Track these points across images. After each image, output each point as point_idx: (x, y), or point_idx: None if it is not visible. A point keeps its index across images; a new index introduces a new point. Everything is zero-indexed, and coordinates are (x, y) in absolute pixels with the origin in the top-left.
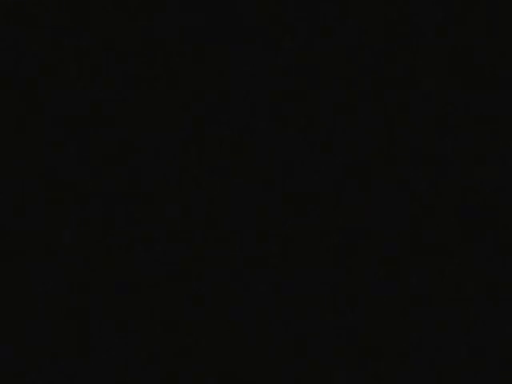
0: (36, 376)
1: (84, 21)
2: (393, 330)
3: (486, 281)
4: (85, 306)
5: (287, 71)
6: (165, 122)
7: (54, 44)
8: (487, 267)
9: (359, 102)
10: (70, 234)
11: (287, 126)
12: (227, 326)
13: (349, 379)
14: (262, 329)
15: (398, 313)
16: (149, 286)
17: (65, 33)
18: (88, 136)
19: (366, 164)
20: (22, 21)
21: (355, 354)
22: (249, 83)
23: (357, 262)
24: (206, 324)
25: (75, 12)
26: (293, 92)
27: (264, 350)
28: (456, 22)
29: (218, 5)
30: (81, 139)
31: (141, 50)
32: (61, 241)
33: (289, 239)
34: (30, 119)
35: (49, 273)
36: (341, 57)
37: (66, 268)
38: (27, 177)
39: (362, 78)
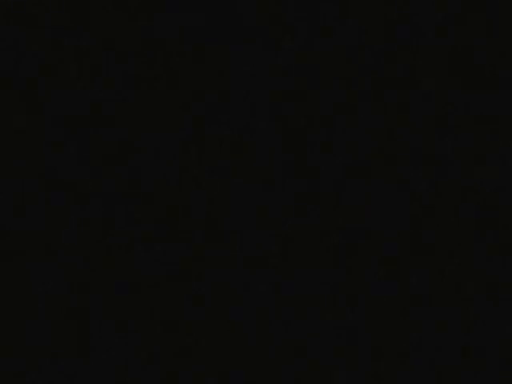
0: (36, 376)
1: (84, 21)
2: (393, 329)
3: (486, 281)
4: (85, 305)
5: (287, 71)
6: (165, 121)
7: (53, 44)
8: (487, 267)
9: (359, 101)
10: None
11: (287, 126)
12: (227, 326)
13: (349, 379)
14: (262, 329)
15: (398, 313)
16: (149, 286)
17: (65, 33)
18: (88, 136)
19: (366, 164)
20: (21, 21)
21: (355, 353)
22: (249, 83)
23: (357, 261)
24: (205, 324)
25: (75, 12)
26: (293, 92)
27: (264, 350)
28: (456, 21)
29: (218, 5)
30: (81, 139)
31: (141, 50)
32: (61, 241)
33: (289, 239)
34: (29, 119)
35: (49, 273)
36: (341, 57)
37: (66, 268)
38: (27, 177)
39: (362, 77)
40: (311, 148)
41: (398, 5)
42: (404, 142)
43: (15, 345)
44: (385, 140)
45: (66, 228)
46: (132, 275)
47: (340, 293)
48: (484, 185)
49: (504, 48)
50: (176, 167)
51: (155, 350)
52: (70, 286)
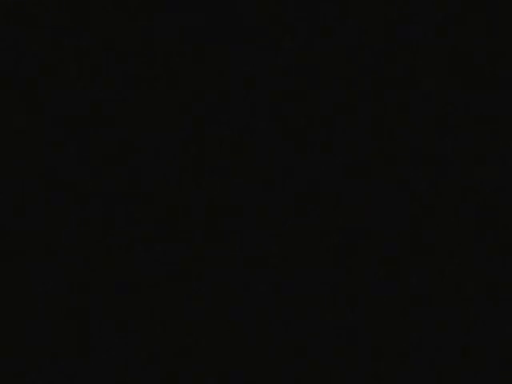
0: (36, 376)
1: (84, 21)
2: (393, 329)
3: (486, 281)
4: (85, 305)
5: (287, 71)
6: (165, 121)
7: (53, 44)
8: (487, 267)
9: (359, 101)
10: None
11: (287, 126)
12: (227, 326)
13: (349, 379)
14: (262, 329)
15: (398, 313)
16: (149, 286)
17: (65, 33)
18: (88, 136)
19: (366, 164)
20: (22, 21)
21: (355, 353)
22: (249, 83)
23: (357, 261)
24: (206, 324)
25: (75, 12)
26: (293, 92)
27: (264, 350)
28: (456, 21)
29: (218, 5)
30: (81, 139)
31: (141, 50)
32: (61, 241)
33: (289, 239)
34: (30, 119)
35: (49, 273)
36: (341, 57)
37: (66, 268)
38: (27, 177)
39: (362, 77)
40: (311, 148)
41: (398, 5)
42: (404, 142)
43: (15, 345)
44: (385, 140)
45: (66, 228)
46: (132, 275)
47: (340, 293)
48: (484, 185)
49: (504, 48)
50: (176, 167)
51: (155, 350)
52: (70, 286)
